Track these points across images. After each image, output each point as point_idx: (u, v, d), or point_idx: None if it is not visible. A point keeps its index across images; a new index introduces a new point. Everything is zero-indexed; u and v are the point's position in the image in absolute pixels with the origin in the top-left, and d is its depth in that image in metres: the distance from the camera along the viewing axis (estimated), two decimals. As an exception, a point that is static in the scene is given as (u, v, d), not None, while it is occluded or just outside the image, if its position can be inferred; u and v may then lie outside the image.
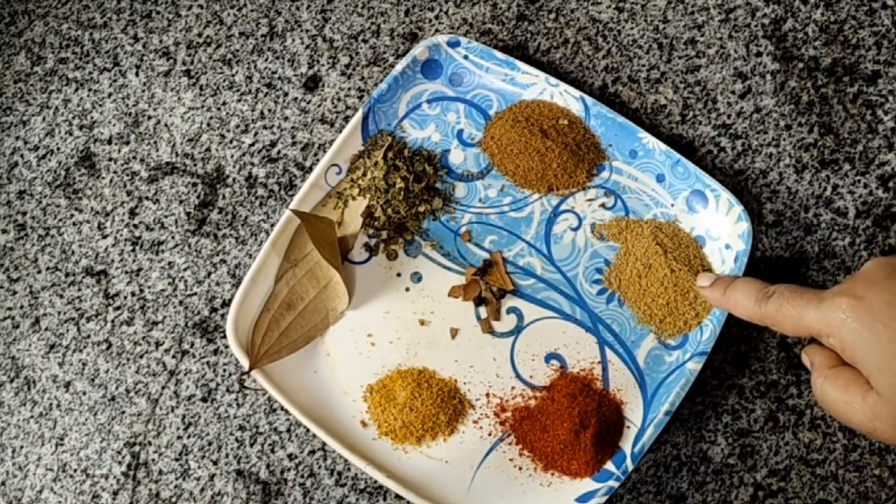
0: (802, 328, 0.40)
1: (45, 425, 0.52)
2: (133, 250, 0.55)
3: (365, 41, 0.58)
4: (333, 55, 0.58)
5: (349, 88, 0.57)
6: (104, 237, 0.55)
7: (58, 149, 0.58)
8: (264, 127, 0.57)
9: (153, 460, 0.51)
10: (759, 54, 0.56)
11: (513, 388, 0.50)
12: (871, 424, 0.37)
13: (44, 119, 0.59)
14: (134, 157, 0.57)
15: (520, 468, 0.48)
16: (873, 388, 0.37)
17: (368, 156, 0.53)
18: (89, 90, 0.59)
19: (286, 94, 0.57)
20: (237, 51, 0.59)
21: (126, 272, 0.55)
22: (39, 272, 0.55)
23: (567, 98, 0.54)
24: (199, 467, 0.51)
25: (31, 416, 0.52)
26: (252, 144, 0.57)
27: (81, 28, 0.61)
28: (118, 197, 0.56)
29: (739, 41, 0.56)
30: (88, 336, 0.53)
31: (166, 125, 0.58)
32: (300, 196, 0.51)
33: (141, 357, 0.53)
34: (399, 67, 0.54)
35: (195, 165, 0.56)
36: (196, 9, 0.60)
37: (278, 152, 0.56)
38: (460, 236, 0.53)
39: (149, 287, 0.54)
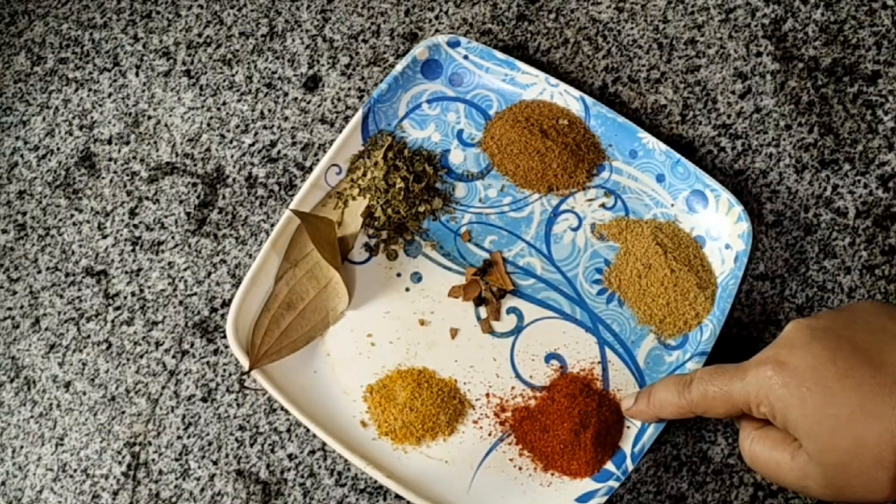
0: (733, 405, 0.39)
1: (45, 425, 0.52)
2: (133, 250, 0.55)
3: (365, 41, 0.58)
4: (333, 55, 0.58)
5: (349, 88, 0.57)
6: (104, 237, 0.55)
7: (58, 149, 0.58)
8: (264, 127, 0.57)
9: (153, 460, 0.51)
10: (759, 54, 0.56)
11: (513, 388, 0.50)
12: (802, 483, 0.37)
13: (44, 119, 0.59)
14: (134, 157, 0.57)
15: (520, 468, 0.48)
16: (802, 448, 0.36)
17: (368, 156, 0.53)
18: (89, 90, 0.59)
19: (286, 94, 0.57)
20: (237, 51, 0.59)
21: (126, 272, 0.55)
22: (39, 272, 0.55)
23: (567, 98, 0.54)
24: (199, 467, 0.51)
25: (31, 416, 0.52)
26: (252, 144, 0.57)
27: (81, 28, 0.61)
28: (118, 197, 0.56)
29: (739, 41, 0.56)
30: (88, 336, 0.53)
31: (166, 125, 0.58)
32: (300, 196, 0.51)
33: (141, 357, 0.53)
34: (399, 67, 0.54)
35: (195, 165, 0.56)
36: (196, 9, 0.60)
37: (278, 152, 0.56)
38: (460, 236, 0.53)
39: (149, 287, 0.54)
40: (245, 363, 0.49)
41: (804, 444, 0.36)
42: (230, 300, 0.53)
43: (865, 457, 0.34)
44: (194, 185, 0.56)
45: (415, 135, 0.55)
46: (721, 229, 0.51)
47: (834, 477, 0.35)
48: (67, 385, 0.53)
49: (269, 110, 0.57)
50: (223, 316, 0.53)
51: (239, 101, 0.58)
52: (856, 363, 0.35)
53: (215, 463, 0.51)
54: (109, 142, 0.58)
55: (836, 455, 0.35)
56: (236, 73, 0.58)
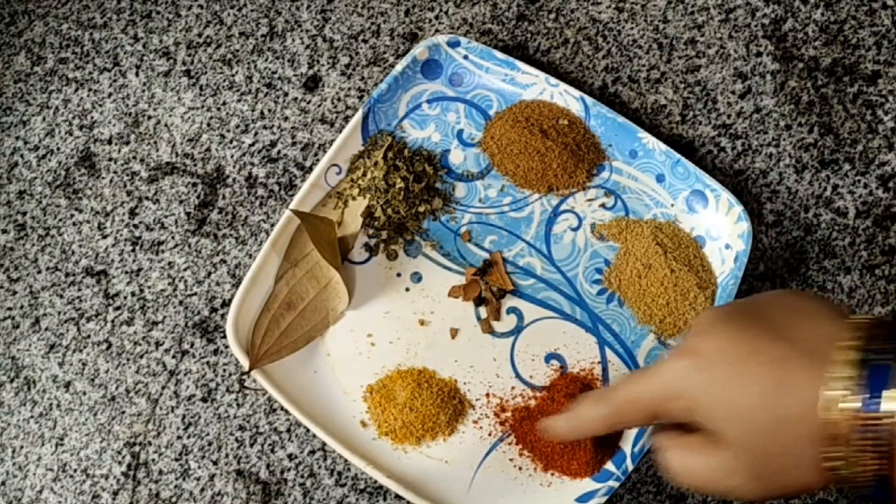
0: (644, 407, 0.37)
1: (45, 425, 0.52)
2: (133, 250, 0.55)
3: (365, 41, 0.58)
4: (333, 55, 0.58)
5: (349, 88, 0.57)
6: (104, 237, 0.55)
7: (58, 149, 0.58)
8: (264, 127, 0.57)
9: (153, 460, 0.51)
10: (759, 54, 0.56)
11: (513, 388, 0.50)
12: (731, 482, 0.35)
13: (44, 119, 0.59)
14: (134, 157, 0.57)
15: (520, 468, 0.48)
16: (724, 444, 0.35)
17: (368, 156, 0.53)
18: (89, 90, 0.59)
19: (286, 94, 0.57)
20: (237, 51, 0.59)
21: (126, 272, 0.55)
22: (39, 272, 0.55)
23: (567, 98, 0.54)
24: (199, 467, 0.51)
25: (31, 416, 0.52)
26: (252, 144, 0.57)
27: (81, 28, 0.61)
28: (118, 197, 0.56)
29: (739, 41, 0.56)
30: (88, 336, 0.53)
31: (166, 125, 0.58)
32: (300, 196, 0.51)
33: (141, 357, 0.53)
34: (399, 67, 0.54)
35: (195, 165, 0.56)
36: (196, 9, 0.60)
37: (278, 152, 0.56)
38: (460, 236, 0.53)
39: (149, 287, 0.54)
40: (245, 363, 0.49)
41: (725, 431, 0.34)
42: (230, 300, 0.53)
43: (788, 432, 0.32)
44: (194, 185, 0.56)
45: (415, 135, 0.55)
46: (721, 229, 0.51)
47: (759, 463, 0.34)
48: (67, 385, 0.53)
49: (269, 110, 0.57)
50: (223, 316, 0.53)
51: (239, 101, 0.58)
52: (767, 339, 0.34)
53: (215, 463, 0.51)
54: (109, 142, 0.58)
55: (758, 435, 0.33)
56: (236, 73, 0.58)
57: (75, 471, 0.51)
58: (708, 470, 0.35)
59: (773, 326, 0.35)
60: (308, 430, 0.50)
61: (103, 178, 0.57)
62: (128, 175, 0.57)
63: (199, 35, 0.59)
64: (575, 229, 0.52)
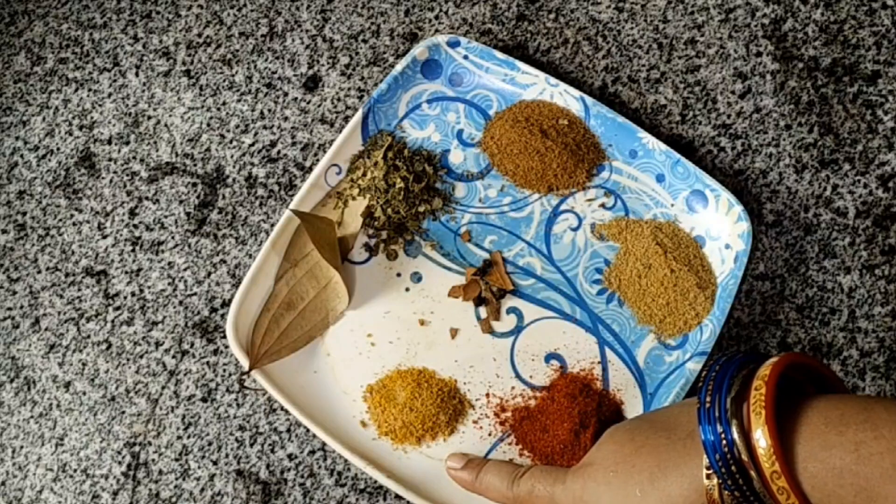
0: (543, 501, 0.41)
1: (45, 425, 0.52)
2: (133, 250, 0.55)
3: (365, 41, 0.58)
4: (333, 55, 0.58)
5: (349, 88, 0.57)
6: (104, 237, 0.55)
7: (58, 149, 0.58)
8: (264, 127, 0.57)
9: (153, 460, 0.51)
10: (759, 54, 0.56)
11: (513, 388, 0.50)
12: None
13: (44, 119, 0.59)
14: (134, 157, 0.57)
15: (520, 468, 0.48)
16: None
17: (368, 156, 0.53)
18: (89, 90, 0.59)
19: (286, 94, 0.57)
20: (237, 51, 0.59)
21: (126, 272, 0.55)
22: (39, 272, 0.55)
23: (567, 98, 0.54)
24: (199, 467, 0.51)
25: (31, 416, 0.52)
26: (252, 144, 0.57)
27: (81, 28, 0.61)
28: (118, 197, 0.56)
29: (739, 41, 0.56)
30: (88, 336, 0.53)
31: (166, 125, 0.58)
32: (300, 196, 0.51)
33: (141, 357, 0.53)
34: (399, 67, 0.54)
35: (195, 165, 0.56)
36: (196, 9, 0.60)
37: (278, 152, 0.56)
38: (460, 236, 0.53)
39: (149, 287, 0.54)
40: (245, 363, 0.49)
41: None
42: (230, 300, 0.53)
43: None
44: (194, 185, 0.56)
45: (415, 135, 0.55)
46: (721, 229, 0.51)
47: None
48: (67, 385, 0.53)
49: (269, 110, 0.57)
50: (223, 316, 0.53)
51: (239, 101, 0.58)
52: (651, 433, 0.37)
53: (215, 463, 0.51)
54: (109, 142, 0.58)
55: None
56: (236, 73, 0.58)
57: (75, 471, 0.51)
58: None
59: (656, 423, 0.38)
60: (308, 430, 0.50)
61: (103, 178, 0.57)
62: (128, 175, 0.57)
63: (199, 35, 0.59)
64: (575, 229, 0.52)
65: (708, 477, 0.34)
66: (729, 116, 0.55)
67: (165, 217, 0.55)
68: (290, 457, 0.50)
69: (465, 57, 0.55)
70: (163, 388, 0.52)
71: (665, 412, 0.39)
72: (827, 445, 0.31)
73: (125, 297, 0.54)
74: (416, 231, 0.53)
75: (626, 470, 0.37)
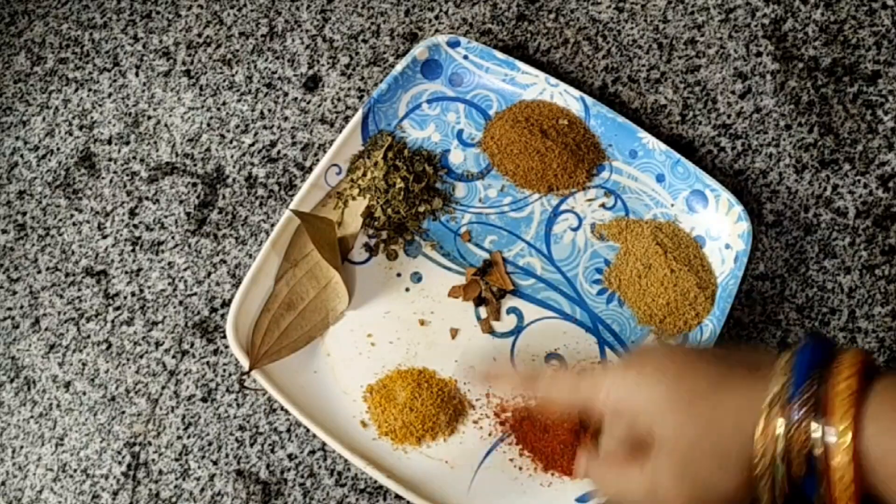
0: (577, 394, 0.39)
1: (45, 425, 0.52)
2: (133, 250, 0.55)
3: (365, 41, 0.58)
4: (333, 55, 0.58)
5: (349, 88, 0.57)
6: (104, 237, 0.55)
7: (58, 149, 0.58)
8: (264, 127, 0.57)
9: (153, 460, 0.51)
10: (759, 54, 0.56)
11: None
12: (652, 486, 0.35)
13: (44, 119, 0.59)
14: (134, 157, 0.57)
15: (520, 468, 0.48)
16: (650, 455, 0.35)
17: (368, 156, 0.53)
18: (89, 90, 0.59)
19: (286, 94, 0.57)
20: (237, 51, 0.59)
21: (126, 272, 0.55)
22: (39, 272, 0.55)
23: (567, 98, 0.54)
24: (199, 467, 0.51)
25: (31, 416, 0.52)
26: (252, 144, 0.57)
27: (81, 28, 0.61)
28: (118, 197, 0.56)
29: (739, 41, 0.56)
30: (88, 336, 0.53)
31: (166, 125, 0.58)
32: (300, 196, 0.51)
33: (141, 357, 0.53)
34: (399, 67, 0.54)
35: (195, 165, 0.56)
36: (196, 9, 0.60)
37: (278, 152, 0.56)
38: (460, 236, 0.53)
39: (149, 287, 0.54)
40: (245, 363, 0.49)
41: (659, 430, 0.35)
42: (230, 300, 0.53)
43: (721, 429, 0.33)
44: (194, 185, 0.56)
45: (415, 135, 0.55)
46: (721, 229, 0.51)
47: (687, 464, 0.34)
48: (67, 385, 0.53)
49: (269, 110, 0.57)
50: (223, 316, 0.53)
51: (239, 101, 0.58)
52: (709, 362, 0.36)
53: (215, 463, 0.51)
54: (109, 142, 0.58)
55: (691, 429, 0.34)
56: (236, 73, 0.58)
57: (75, 471, 0.51)
58: (635, 485, 0.36)
59: (712, 357, 0.36)
60: (308, 430, 0.50)
61: (103, 178, 0.57)
62: (128, 175, 0.57)
63: (199, 35, 0.59)
64: (575, 229, 0.52)
65: (767, 412, 0.32)
66: (729, 116, 0.55)
67: (165, 217, 0.55)
68: (290, 457, 0.50)
69: (465, 57, 0.55)
70: (163, 388, 0.52)
71: (719, 351, 0.37)
72: None
73: (125, 297, 0.54)
74: (416, 231, 0.53)
75: (681, 377, 0.35)
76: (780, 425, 0.31)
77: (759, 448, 0.32)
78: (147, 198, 0.56)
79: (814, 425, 0.31)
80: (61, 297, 0.54)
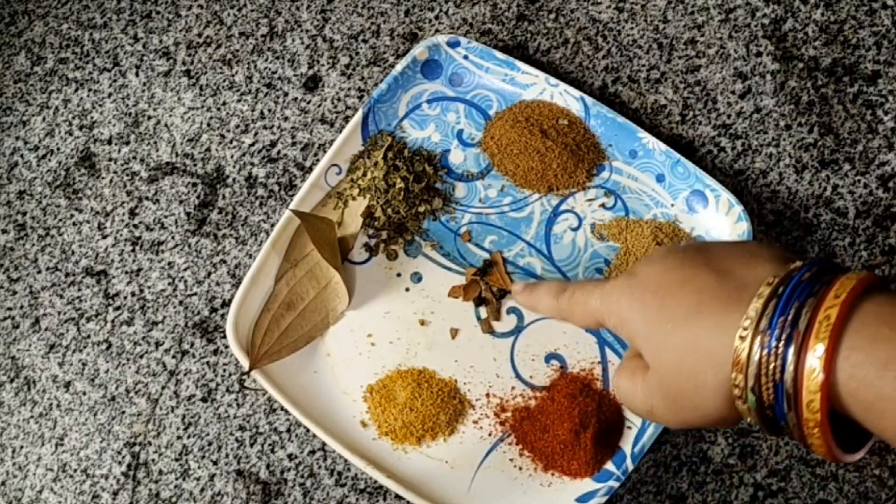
0: (589, 313, 0.39)
1: (45, 425, 0.52)
2: (133, 250, 0.55)
3: (365, 41, 0.58)
4: (333, 55, 0.58)
5: (349, 88, 0.57)
6: (104, 237, 0.55)
7: (58, 149, 0.58)
8: (264, 127, 0.57)
9: (153, 460, 0.51)
10: (759, 54, 0.56)
11: (513, 388, 0.50)
12: (649, 404, 0.36)
13: (44, 119, 0.59)
14: (134, 157, 0.57)
15: (520, 468, 0.48)
16: (649, 368, 0.36)
17: (368, 156, 0.53)
18: (89, 90, 0.59)
19: (286, 94, 0.57)
20: (237, 51, 0.59)
21: (126, 272, 0.55)
22: (39, 272, 0.55)
23: (567, 98, 0.54)
24: (199, 467, 0.51)
25: (31, 416, 0.52)
26: (252, 144, 0.57)
27: (81, 28, 0.61)
28: (118, 197, 0.56)
29: (739, 41, 0.56)
30: (88, 336, 0.53)
31: (166, 125, 0.58)
32: (300, 196, 0.51)
33: (141, 357, 0.53)
34: (399, 67, 0.54)
35: (195, 165, 0.56)
36: (196, 9, 0.60)
37: (278, 152, 0.56)
38: (460, 236, 0.53)
39: (149, 287, 0.54)
40: (245, 363, 0.49)
41: (645, 353, 0.35)
42: (230, 300, 0.53)
43: (698, 354, 0.33)
44: (194, 185, 0.56)
45: (415, 135, 0.55)
46: (721, 229, 0.51)
47: (671, 384, 0.34)
48: (67, 385, 0.53)
49: (269, 110, 0.57)
50: (223, 316, 0.53)
51: (239, 101, 0.58)
52: (702, 272, 0.35)
53: (215, 463, 0.51)
54: (109, 142, 0.58)
55: (671, 354, 0.34)
56: (236, 73, 0.58)
57: (75, 471, 0.51)
58: (636, 394, 0.37)
59: (712, 261, 0.35)
60: (308, 430, 0.50)
61: (103, 178, 0.57)
62: (128, 175, 0.57)
63: (199, 35, 0.59)
64: (575, 229, 0.52)
65: (741, 338, 0.31)
66: (729, 116, 0.55)
67: (165, 217, 0.56)
68: (290, 457, 0.50)
69: (465, 57, 0.55)
70: (163, 388, 0.52)
71: (724, 250, 0.37)
72: (876, 339, 0.29)
73: (125, 297, 0.54)
74: (416, 231, 0.53)
75: (665, 298, 0.35)
76: (755, 352, 0.31)
77: (732, 376, 0.32)
78: (147, 198, 0.56)
79: (789, 356, 0.30)
80: (61, 297, 0.54)
